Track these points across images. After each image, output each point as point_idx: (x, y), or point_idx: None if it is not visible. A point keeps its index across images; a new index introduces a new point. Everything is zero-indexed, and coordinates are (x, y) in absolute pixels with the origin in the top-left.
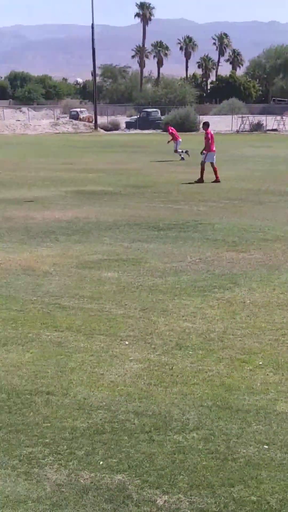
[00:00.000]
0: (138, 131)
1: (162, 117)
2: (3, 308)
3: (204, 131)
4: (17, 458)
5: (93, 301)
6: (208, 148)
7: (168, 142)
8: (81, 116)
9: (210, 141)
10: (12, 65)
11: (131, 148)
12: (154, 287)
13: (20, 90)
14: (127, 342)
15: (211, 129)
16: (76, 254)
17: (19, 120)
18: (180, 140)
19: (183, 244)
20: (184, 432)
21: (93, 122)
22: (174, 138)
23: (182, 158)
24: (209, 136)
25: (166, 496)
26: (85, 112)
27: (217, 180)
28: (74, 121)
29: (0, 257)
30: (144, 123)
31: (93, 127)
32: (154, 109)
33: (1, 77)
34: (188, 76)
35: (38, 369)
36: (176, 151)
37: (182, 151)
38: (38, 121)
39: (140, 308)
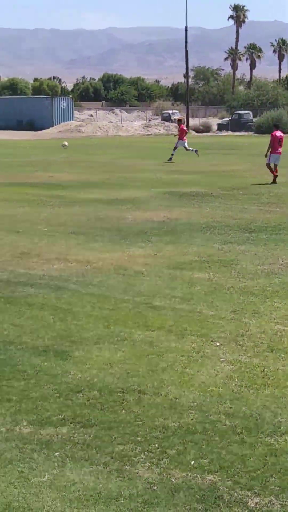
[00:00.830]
0: (230, 133)
1: (254, 120)
2: (95, 307)
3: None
4: (109, 455)
5: (184, 302)
6: (272, 149)
7: (175, 135)
8: (173, 118)
9: (273, 142)
10: (105, 67)
11: (223, 150)
12: (246, 289)
13: (113, 92)
14: (218, 343)
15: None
16: (167, 255)
17: (111, 122)
18: (183, 141)
19: (274, 246)
20: (276, 434)
21: (185, 124)
22: (181, 137)
23: (196, 151)
24: (272, 138)
25: (258, 498)
26: (177, 114)
27: (274, 182)
28: (166, 123)
29: (92, 257)
30: (236, 125)
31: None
32: (246, 111)
33: (95, 79)
34: (281, 78)
35: (130, 367)
36: (187, 148)
37: (192, 149)
38: (130, 123)
39: (231, 309)
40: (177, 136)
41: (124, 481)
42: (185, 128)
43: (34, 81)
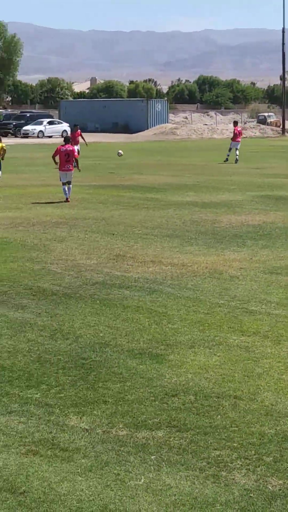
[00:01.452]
0: None
1: None
2: (190, 311)
3: None
4: (205, 460)
5: (281, 307)
6: None
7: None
8: (269, 120)
9: None
10: (201, 70)
11: None
12: None
13: (208, 95)
14: None
15: None
16: (263, 259)
17: (206, 124)
18: (237, 143)
19: None
20: None
21: (281, 126)
22: (234, 137)
23: (226, 159)
24: None
25: None
26: (272, 116)
27: None
28: (262, 126)
29: (187, 260)
30: None
31: (281, 131)
32: None
33: (190, 82)
34: None
35: (225, 372)
36: (230, 149)
37: (229, 154)
38: (225, 126)
39: None
40: (232, 138)
41: (220, 487)
42: (239, 129)
43: (129, 83)
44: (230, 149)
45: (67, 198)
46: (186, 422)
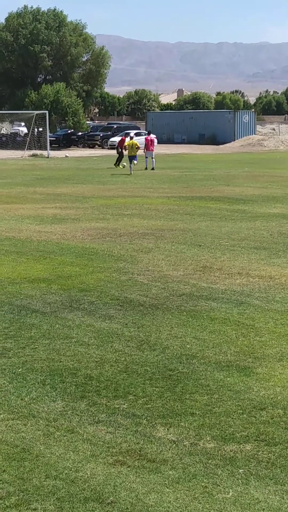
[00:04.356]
0: None
1: None
2: (278, 324)
3: None
4: None
5: None
6: None
7: None
8: None
9: None
10: None
11: None
12: None
13: None
14: None
15: None
16: None
17: None
18: None
19: None
20: None
21: None
22: None
23: None
24: None
25: None
26: None
27: None
28: None
29: (275, 272)
30: None
31: None
32: None
33: (278, 93)
34: None
35: None
36: None
37: None
38: None
39: None
40: None
41: None
42: None
43: (216, 95)
44: None
45: None
46: (274, 436)
